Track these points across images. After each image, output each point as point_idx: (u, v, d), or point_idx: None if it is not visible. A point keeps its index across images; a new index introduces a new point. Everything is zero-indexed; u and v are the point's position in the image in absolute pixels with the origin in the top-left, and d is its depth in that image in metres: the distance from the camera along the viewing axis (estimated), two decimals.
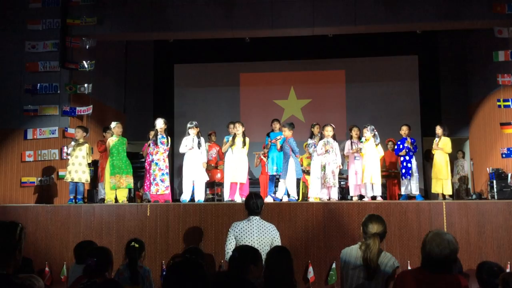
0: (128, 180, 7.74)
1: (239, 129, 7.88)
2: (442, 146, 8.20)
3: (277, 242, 4.16)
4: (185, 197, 7.72)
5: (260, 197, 4.42)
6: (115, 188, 7.66)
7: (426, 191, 10.75)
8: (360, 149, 7.94)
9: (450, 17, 8.73)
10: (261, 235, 4.10)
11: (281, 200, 7.68)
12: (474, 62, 11.18)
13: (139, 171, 8.73)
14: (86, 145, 8.03)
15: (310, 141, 8.24)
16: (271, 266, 3.29)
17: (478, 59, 10.72)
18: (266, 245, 4.04)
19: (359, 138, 8.13)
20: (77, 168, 7.86)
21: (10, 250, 2.30)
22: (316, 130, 8.37)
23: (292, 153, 7.75)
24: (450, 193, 8.21)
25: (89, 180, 8.12)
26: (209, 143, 9.52)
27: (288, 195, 7.81)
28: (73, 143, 7.99)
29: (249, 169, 10.35)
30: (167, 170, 7.76)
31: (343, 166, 8.38)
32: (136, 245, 4.40)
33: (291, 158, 7.74)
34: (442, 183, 8.15)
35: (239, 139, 7.86)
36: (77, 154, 7.91)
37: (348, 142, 8.28)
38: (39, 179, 8.75)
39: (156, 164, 7.64)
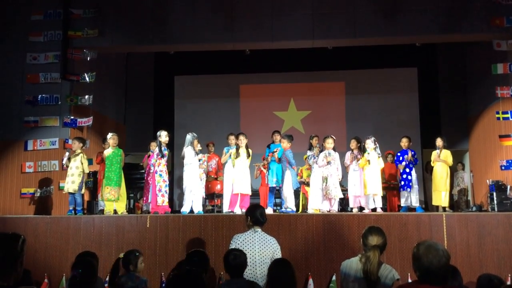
0: (114, 193, 7.67)
1: (243, 141, 7.90)
2: (444, 158, 8.25)
3: (278, 255, 4.14)
4: (185, 209, 7.72)
5: (263, 207, 4.44)
6: (103, 200, 7.72)
7: (426, 203, 10.74)
8: (360, 159, 7.98)
9: (449, 30, 8.80)
10: (262, 248, 4.08)
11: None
12: (473, 75, 11.22)
13: (139, 182, 8.72)
14: (81, 155, 8.00)
15: (309, 152, 8.26)
16: (274, 279, 3.27)
17: (477, 72, 10.75)
18: (267, 258, 4.02)
19: (359, 149, 8.16)
20: (70, 179, 7.87)
21: (12, 262, 2.30)
22: (314, 141, 8.37)
23: (288, 165, 7.81)
24: (447, 205, 8.22)
25: (77, 190, 7.88)
26: (208, 154, 9.52)
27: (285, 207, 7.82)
28: (67, 154, 8.00)
29: None
30: (168, 182, 7.81)
31: (343, 177, 8.39)
32: (137, 253, 4.49)
33: (288, 170, 7.81)
34: (441, 195, 8.17)
35: (242, 151, 7.88)
36: (71, 165, 7.93)
37: (348, 153, 8.31)
38: (38, 190, 8.75)
39: (160, 175, 7.67)
